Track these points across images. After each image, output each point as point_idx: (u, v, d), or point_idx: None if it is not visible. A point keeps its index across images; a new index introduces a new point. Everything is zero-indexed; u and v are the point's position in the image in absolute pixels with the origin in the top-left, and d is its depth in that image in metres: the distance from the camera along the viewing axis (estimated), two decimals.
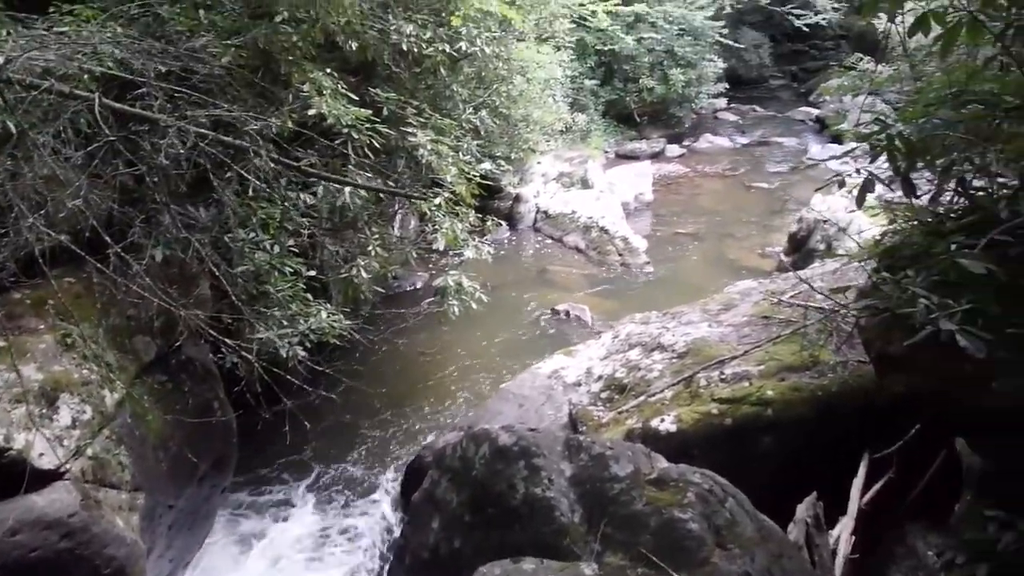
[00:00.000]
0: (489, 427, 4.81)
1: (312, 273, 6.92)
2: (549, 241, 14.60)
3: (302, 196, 6.82)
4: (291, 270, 6.51)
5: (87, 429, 5.26)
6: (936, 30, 3.62)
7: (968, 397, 3.62)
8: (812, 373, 6.13)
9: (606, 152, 19.24)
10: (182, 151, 5.05)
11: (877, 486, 5.43)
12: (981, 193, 4.05)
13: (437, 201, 7.41)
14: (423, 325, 10.56)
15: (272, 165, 5.59)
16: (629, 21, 19.92)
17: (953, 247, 3.48)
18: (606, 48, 19.57)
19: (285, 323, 6.38)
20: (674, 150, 21.01)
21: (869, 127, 4.09)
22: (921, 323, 3.15)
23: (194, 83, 5.69)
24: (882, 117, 4.17)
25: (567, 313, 11.33)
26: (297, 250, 6.84)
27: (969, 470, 4.54)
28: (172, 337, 6.32)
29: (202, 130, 5.09)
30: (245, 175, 5.57)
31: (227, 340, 5.60)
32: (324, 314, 6.58)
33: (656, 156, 20.23)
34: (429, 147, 7.46)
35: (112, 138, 4.91)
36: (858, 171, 3.96)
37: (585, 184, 15.73)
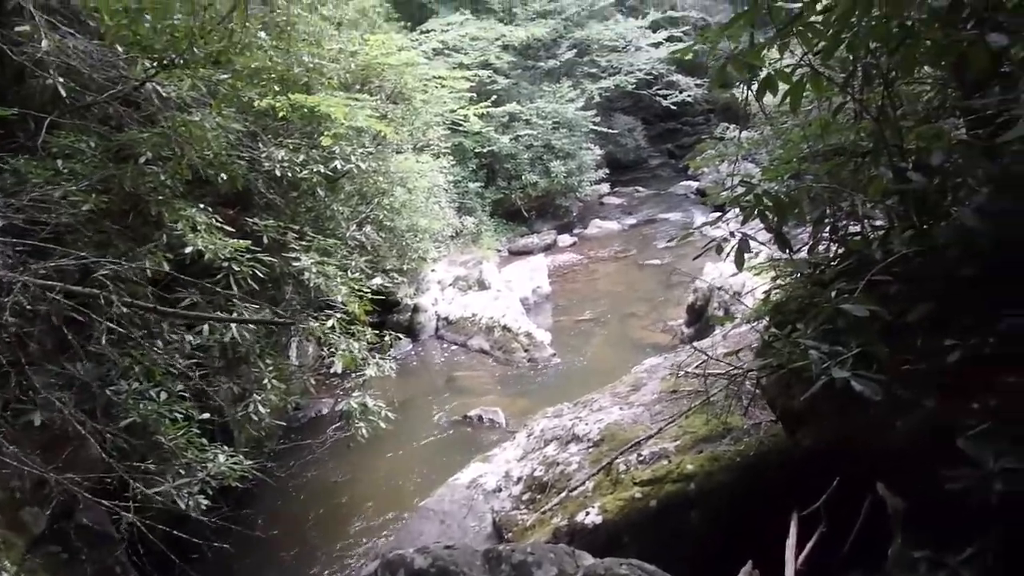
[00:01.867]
0: (404, 551, 4.58)
1: (206, 416, 6.63)
2: (454, 347, 14.45)
3: (187, 337, 6.59)
4: (182, 416, 6.23)
5: None
6: (784, 88, 3.69)
7: (875, 441, 3.59)
8: (728, 440, 6.08)
9: (499, 251, 19.39)
10: (28, 307, 4.81)
11: (810, 543, 5.35)
12: (855, 237, 4.10)
13: (330, 324, 7.28)
14: (332, 452, 10.19)
15: (124, 310, 5.35)
16: (504, 121, 20.35)
17: (835, 294, 3.48)
18: (485, 150, 19.92)
19: (182, 472, 6.08)
20: (566, 239, 21.34)
21: (737, 190, 4.14)
22: (816, 374, 3.12)
23: (41, 234, 5.48)
24: (747, 179, 4.22)
25: (480, 418, 11.17)
26: (188, 394, 6.56)
27: (895, 512, 4.50)
28: (63, 504, 5.95)
29: (48, 282, 4.86)
30: (111, 324, 5.33)
31: (105, 502, 5.24)
32: (222, 458, 6.29)
33: (549, 248, 20.50)
34: (315, 270, 7.37)
35: None
36: (732, 234, 3.97)
37: (482, 285, 15.76)
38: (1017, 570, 2.96)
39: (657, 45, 24.85)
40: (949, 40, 3.14)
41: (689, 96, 26.24)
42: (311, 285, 7.45)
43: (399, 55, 11.71)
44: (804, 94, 3.78)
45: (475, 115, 15.89)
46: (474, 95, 16.69)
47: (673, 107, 26.44)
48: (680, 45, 23.14)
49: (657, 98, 26.26)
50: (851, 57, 3.73)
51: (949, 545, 3.37)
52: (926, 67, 3.92)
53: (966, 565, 2.95)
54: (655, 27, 25.51)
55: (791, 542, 5.31)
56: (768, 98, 4.19)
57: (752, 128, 9.32)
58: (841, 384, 3.01)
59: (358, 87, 10.88)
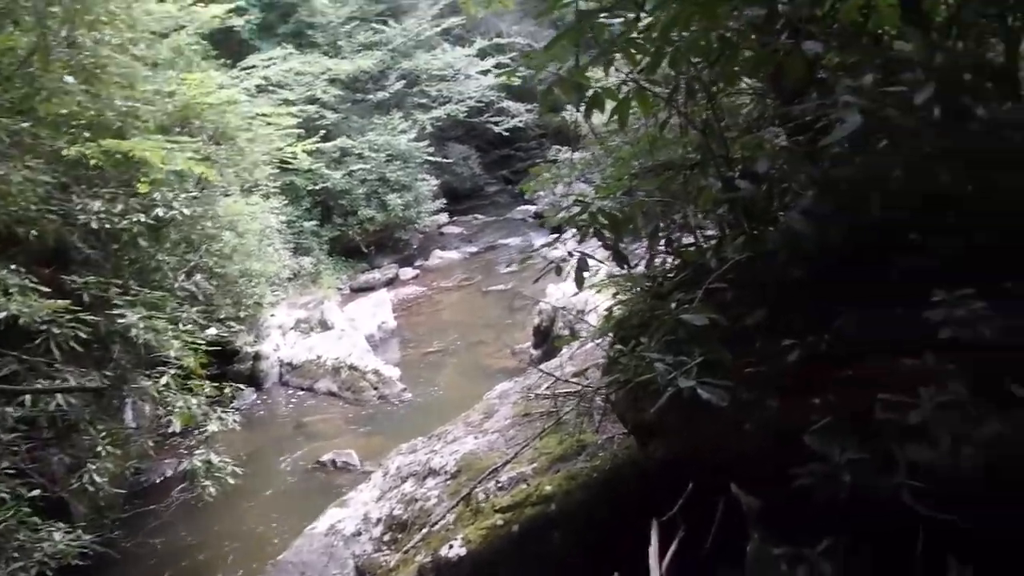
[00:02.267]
0: None
1: (37, 492, 6.19)
2: (300, 392, 14.00)
3: (7, 409, 6.14)
4: (9, 495, 5.79)
5: None
6: (611, 105, 3.72)
7: (725, 445, 3.63)
8: (583, 457, 6.08)
9: (340, 289, 18.99)
10: None
11: (671, 549, 5.40)
12: (690, 248, 4.17)
13: (164, 381, 6.98)
14: (181, 515, 9.68)
15: None
16: (335, 156, 20.03)
17: (675, 305, 3.52)
18: (318, 187, 19.51)
19: (16, 556, 5.65)
20: (408, 272, 21.15)
21: (573, 210, 4.14)
22: (663, 386, 3.13)
23: None
24: (581, 198, 4.23)
25: (333, 462, 10.88)
26: (14, 470, 6.11)
27: (749, 511, 4.58)
28: None
29: None
30: None
31: None
32: (59, 535, 5.87)
33: (391, 282, 20.27)
34: (143, 325, 7.02)
35: None
36: (570, 254, 3.97)
37: (325, 326, 15.40)
38: (869, 555, 3.03)
39: (486, 72, 25.05)
40: (766, 50, 3.23)
41: (521, 122, 26.60)
42: (140, 342, 7.10)
43: (219, 94, 11.32)
44: (631, 111, 3.83)
45: (304, 151, 15.55)
46: (302, 131, 16.35)
47: (506, 133, 26.75)
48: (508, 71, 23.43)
49: (489, 125, 26.50)
50: (674, 72, 3.81)
51: (805, 540, 3.44)
52: (746, 79, 4.03)
53: (824, 557, 3.00)
54: (483, 55, 25.72)
55: (653, 549, 5.35)
56: (597, 118, 4.23)
57: (584, 149, 9.51)
58: (688, 393, 3.03)
59: (177, 129, 10.45)
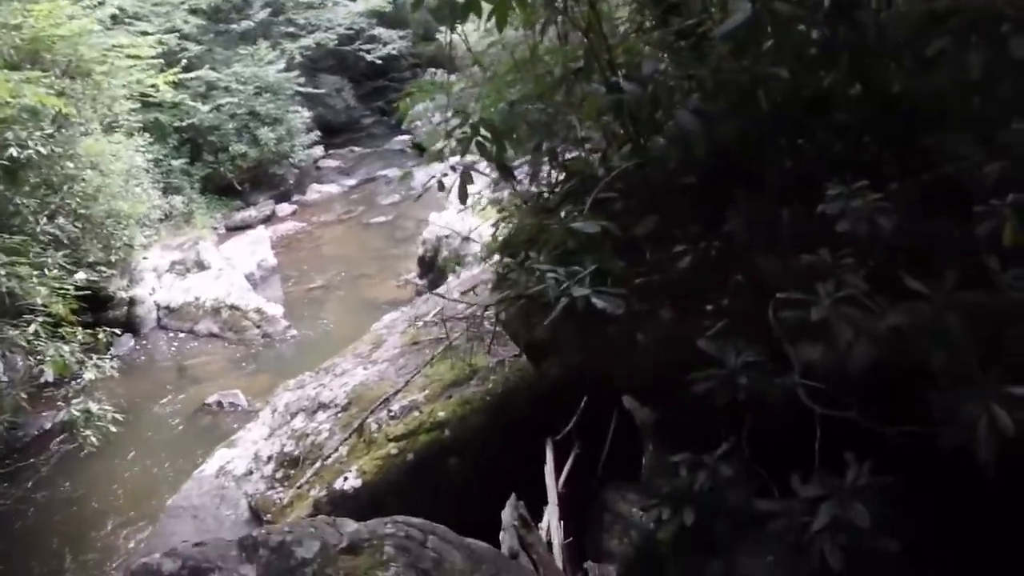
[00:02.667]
0: (149, 559, 4.16)
1: None
2: (181, 335, 13.52)
3: None
4: None
5: None
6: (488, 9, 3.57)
7: (619, 358, 3.62)
8: (475, 382, 6.12)
9: (215, 228, 18.25)
10: None
11: (567, 466, 5.46)
12: (576, 159, 4.10)
13: (32, 329, 6.65)
14: (63, 467, 9.30)
15: None
16: (201, 91, 19.13)
17: (563, 215, 3.45)
18: (185, 123, 18.57)
19: None
20: (285, 208, 20.53)
21: (450, 125, 4.01)
22: (555, 298, 3.06)
23: None
24: (462, 109, 4.10)
25: (219, 403, 10.62)
26: None
27: (643, 424, 4.63)
28: None
29: None
30: None
31: None
32: None
33: (269, 219, 19.63)
34: (4, 272, 6.65)
35: None
36: (453, 168, 3.84)
37: (201, 266, 14.86)
38: (768, 456, 3.07)
39: None
40: None
41: (394, 50, 25.99)
42: (3, 290, 6.73)
43: (71, 25, 10.64)
44: (509, 21, 3.69)
45: (166, 84, 14.81)
46: (163, 64, 15.54)
47: (379, 62, 26.06)
48: None
49: (361, 54, 25.75)
50: None
51: (700, 449, 3.47)
52: None
53: (723, 461, 3.01)
54: None
55: (549, 467, 5.42)
56: (473, 36, 4.08)
57: (459, 71, 9.31)
58: (582, 304, 2.96)
59: (28, 65, 9.79)
